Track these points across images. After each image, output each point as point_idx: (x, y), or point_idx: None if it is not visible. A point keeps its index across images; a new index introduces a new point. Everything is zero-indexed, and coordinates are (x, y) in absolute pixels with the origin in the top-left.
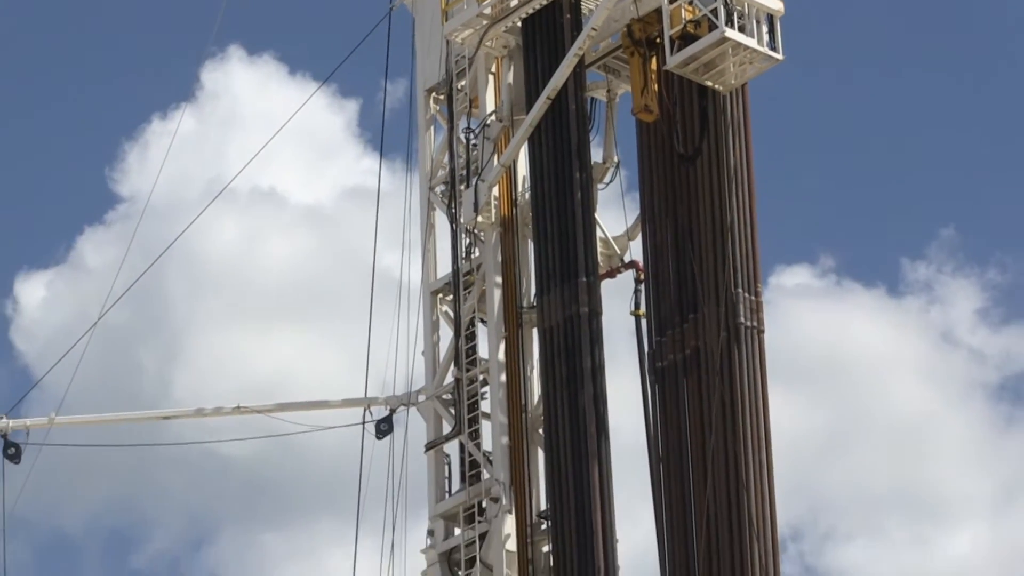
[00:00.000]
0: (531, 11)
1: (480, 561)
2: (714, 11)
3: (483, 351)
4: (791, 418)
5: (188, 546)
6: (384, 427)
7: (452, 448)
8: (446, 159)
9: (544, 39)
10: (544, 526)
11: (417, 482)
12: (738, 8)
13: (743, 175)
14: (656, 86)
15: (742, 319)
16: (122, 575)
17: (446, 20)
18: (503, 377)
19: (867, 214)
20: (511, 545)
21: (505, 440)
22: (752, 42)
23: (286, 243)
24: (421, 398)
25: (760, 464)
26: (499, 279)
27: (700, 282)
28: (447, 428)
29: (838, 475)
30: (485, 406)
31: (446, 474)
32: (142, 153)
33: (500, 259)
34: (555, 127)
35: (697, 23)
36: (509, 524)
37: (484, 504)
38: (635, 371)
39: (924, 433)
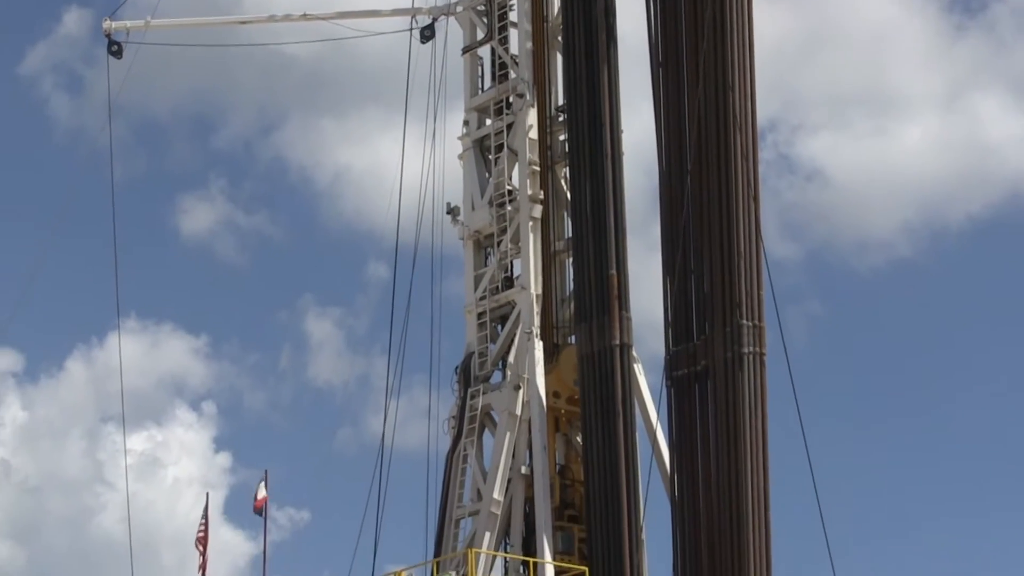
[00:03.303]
0: None
1: (507, 147)
2: None
3: None
4: (772, 26)
5: (259, 131)
6: (428, 33)
7: (485, 52)
8: None
9: None
10: (561, 118)
11: (454, 81)
12: None
13: None
14: None
15: None
16: (205, 154)
17: None
18: None
19: None
20: (533, 134)
21: (529, 45)
22: None
23: None
24: (459, 8)
25: (743, 67)
26: None
27: None
28: (480, 35)
29: (810, 75)
30: (513, 16)
31: (479, 74)
32: None
33: None
34: None
35: None
36: (532, 116)
37: (511, 99)
38: None
39: (886, 39)
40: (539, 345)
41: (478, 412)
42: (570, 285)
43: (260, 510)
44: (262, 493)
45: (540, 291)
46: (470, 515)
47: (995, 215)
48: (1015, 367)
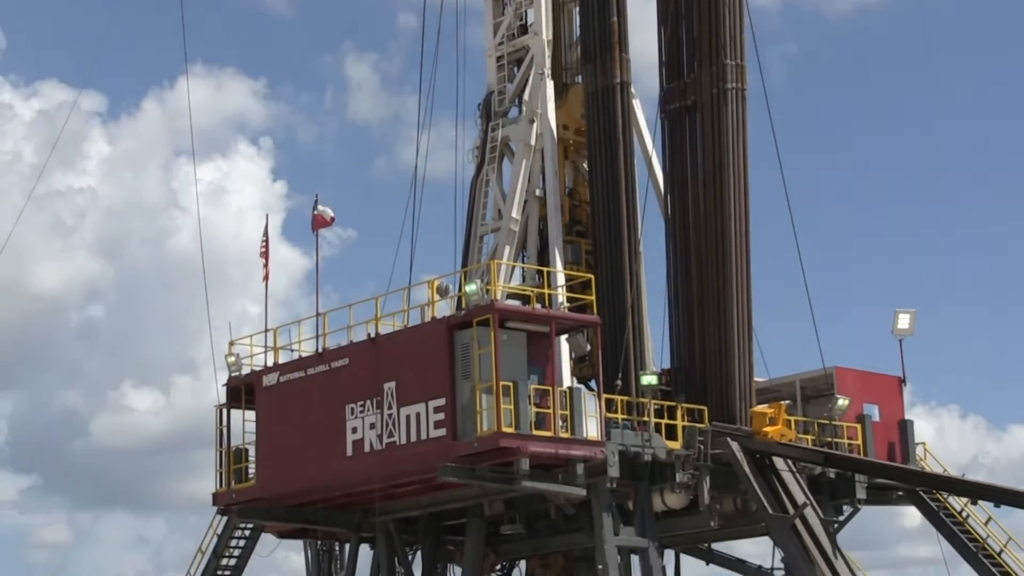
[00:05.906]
0: None
1: None
2: None
3: None
4: None
5: None
6: None
7: None
8: None
9: None
10: None
11: None
12: None
13: None
14: None
15: None
16: None
17: None
18: None
19: None
20: None
21: None
22: None
23: None
24: None
25: None
26: None
27: None
28: None
29: None
30: None
31: None
32: None
33: None
34: None
35: None
36: None
37: None
38: None
39: None
40: (550, 84)
41: (498, 143)
42: (577, 31)
43: (319, 229)
44: (324, 212)
45: (551, 36)
46: (492, 232)
47: None
48: (964, 94)
